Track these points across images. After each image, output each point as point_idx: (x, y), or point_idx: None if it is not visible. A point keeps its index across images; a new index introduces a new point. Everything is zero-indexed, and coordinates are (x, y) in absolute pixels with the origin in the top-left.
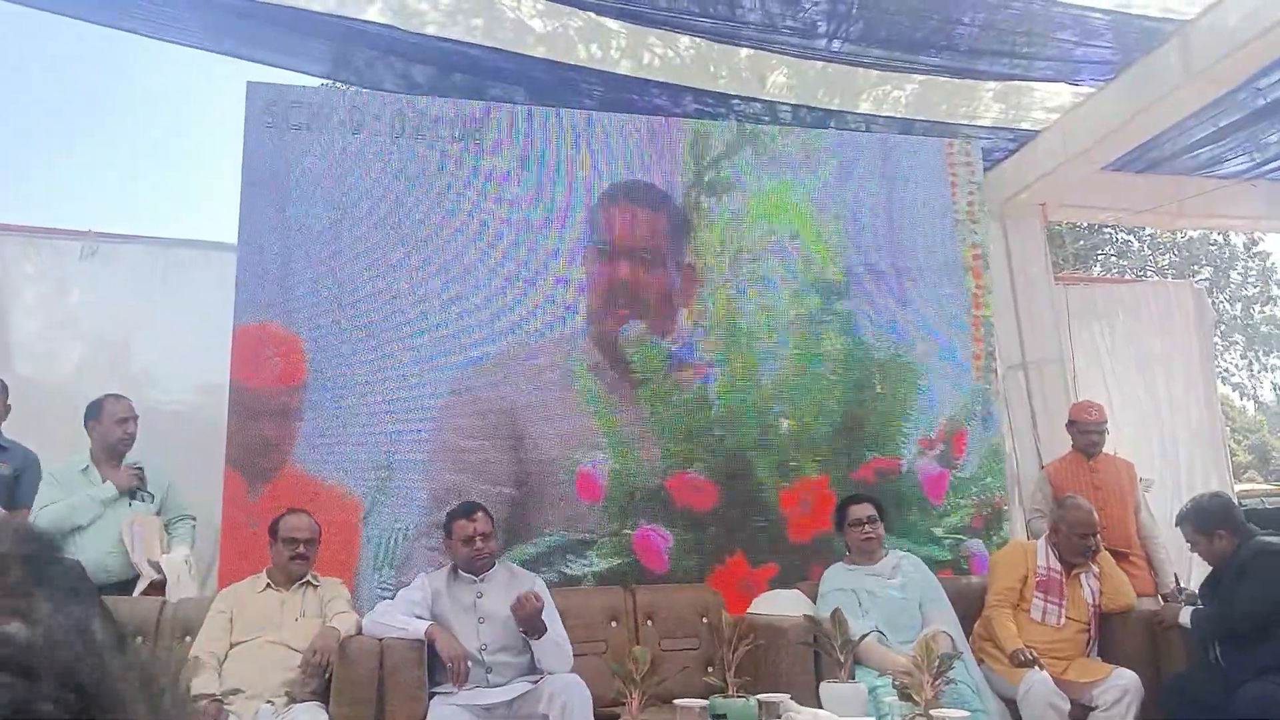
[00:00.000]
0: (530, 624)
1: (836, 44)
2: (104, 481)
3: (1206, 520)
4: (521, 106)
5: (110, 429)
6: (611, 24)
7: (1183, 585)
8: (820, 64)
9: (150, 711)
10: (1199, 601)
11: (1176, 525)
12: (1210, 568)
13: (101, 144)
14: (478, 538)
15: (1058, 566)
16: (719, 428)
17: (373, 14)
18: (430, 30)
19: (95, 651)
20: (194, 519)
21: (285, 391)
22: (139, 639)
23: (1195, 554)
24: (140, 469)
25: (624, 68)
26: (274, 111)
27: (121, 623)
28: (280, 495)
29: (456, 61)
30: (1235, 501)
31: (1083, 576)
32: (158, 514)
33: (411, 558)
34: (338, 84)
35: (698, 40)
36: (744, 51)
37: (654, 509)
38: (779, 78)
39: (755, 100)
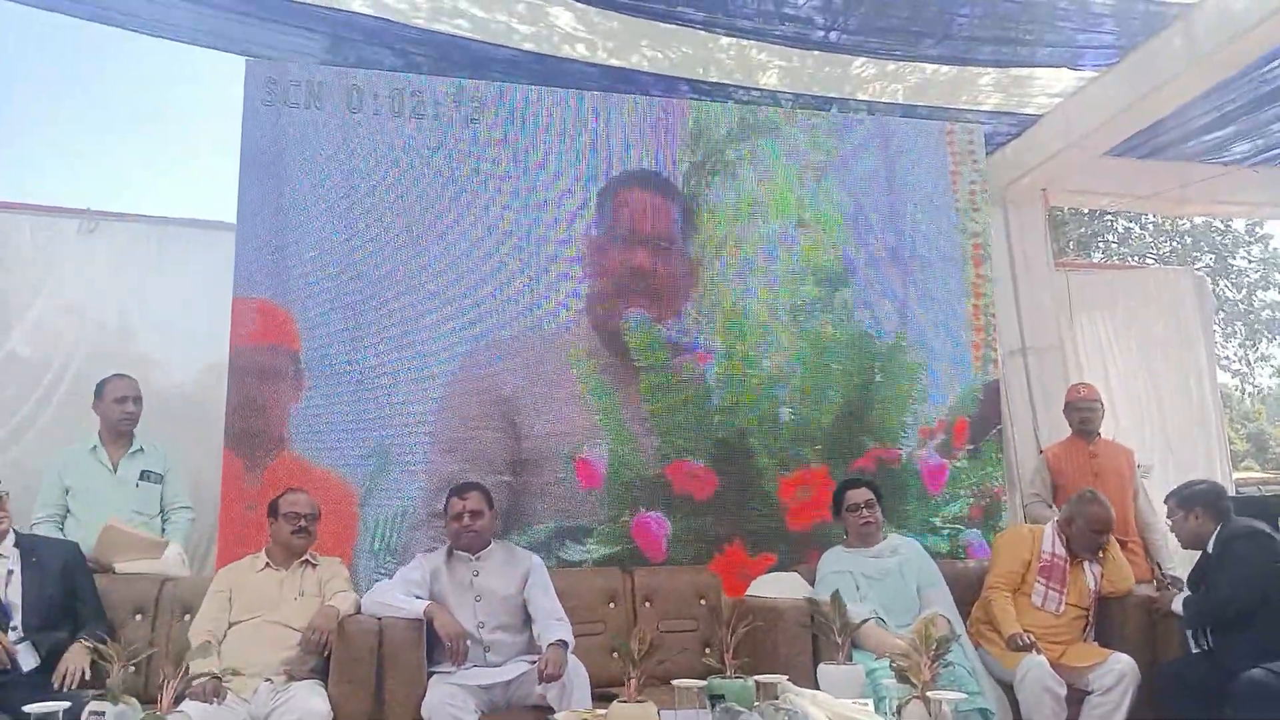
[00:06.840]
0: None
1: (834, 35)
2: (110, 460)
3: (1188, 498)
4: (521, 86)
5: (109, 408)
6: (596, 22)
7: (1165, 571)
8: (814, 58)
9: None
10: (1186, 588)
11: (1164, 501)
12: (1184, 549)
13: (100, 124)
14: (466, 514)
15: (1063, 554)
16: (719, 416)
17: (358, 5)
18: (419, 23)
19: None
20: (192, 512)
21: (282, 372)
22: (138, 616)
23: (1174, 533)
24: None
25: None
26: (273, 90)
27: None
28: (278, 478)
29: (451, 50)
30: (1225, 491)
31: (1085, 564)
32: (160, 496)
33: (410, 544)
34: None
35: (694, 33)
36: (737, 45)
37: (653, 497)
38: (771, 78)
39: (755, 89)
